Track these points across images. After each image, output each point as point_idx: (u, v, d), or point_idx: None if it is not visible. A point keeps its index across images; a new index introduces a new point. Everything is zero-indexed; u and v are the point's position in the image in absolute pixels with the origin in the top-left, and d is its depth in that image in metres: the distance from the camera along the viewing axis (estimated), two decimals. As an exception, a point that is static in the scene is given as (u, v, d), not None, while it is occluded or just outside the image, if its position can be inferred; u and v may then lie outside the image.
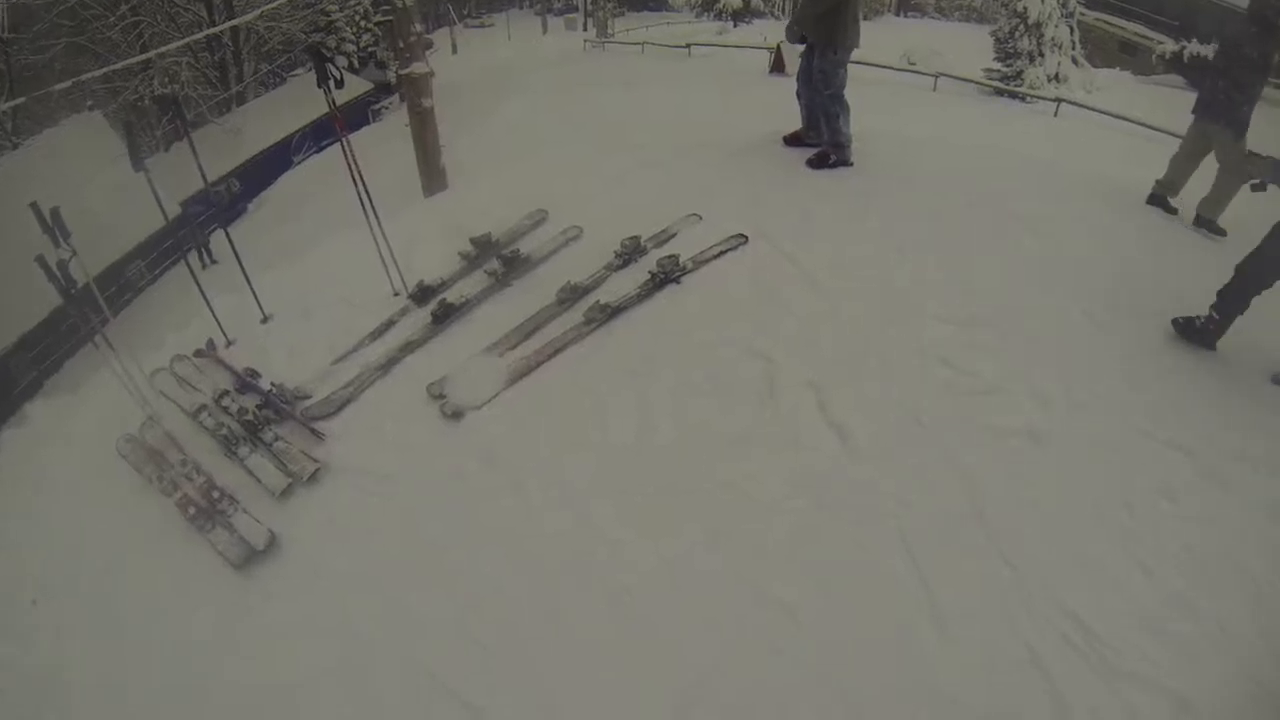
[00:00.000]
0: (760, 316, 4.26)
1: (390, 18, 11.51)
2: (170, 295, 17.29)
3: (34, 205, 4.13)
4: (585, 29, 42.25)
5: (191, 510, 3.60)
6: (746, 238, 4.80)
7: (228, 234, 5.41)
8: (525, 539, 3.25)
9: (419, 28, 10.85)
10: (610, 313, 4.28)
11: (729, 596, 3.01)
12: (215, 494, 3.67)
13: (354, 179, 4.61)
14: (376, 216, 4.66)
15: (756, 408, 3.75)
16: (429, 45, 12.23)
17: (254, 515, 3.51)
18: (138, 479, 3.89)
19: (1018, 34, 25.31)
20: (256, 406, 4.04)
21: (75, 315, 4.23)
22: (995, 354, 4.08)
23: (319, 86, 4.54)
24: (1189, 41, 31.72)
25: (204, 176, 5.03)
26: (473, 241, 4.94)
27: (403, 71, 10.94)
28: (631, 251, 4.72)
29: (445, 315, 4.42)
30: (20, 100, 24.39)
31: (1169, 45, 32.46)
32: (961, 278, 4.65)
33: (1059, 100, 14.07)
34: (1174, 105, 24.60)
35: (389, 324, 4.53)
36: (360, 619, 3.07)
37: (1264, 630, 2.92)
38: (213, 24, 29.29)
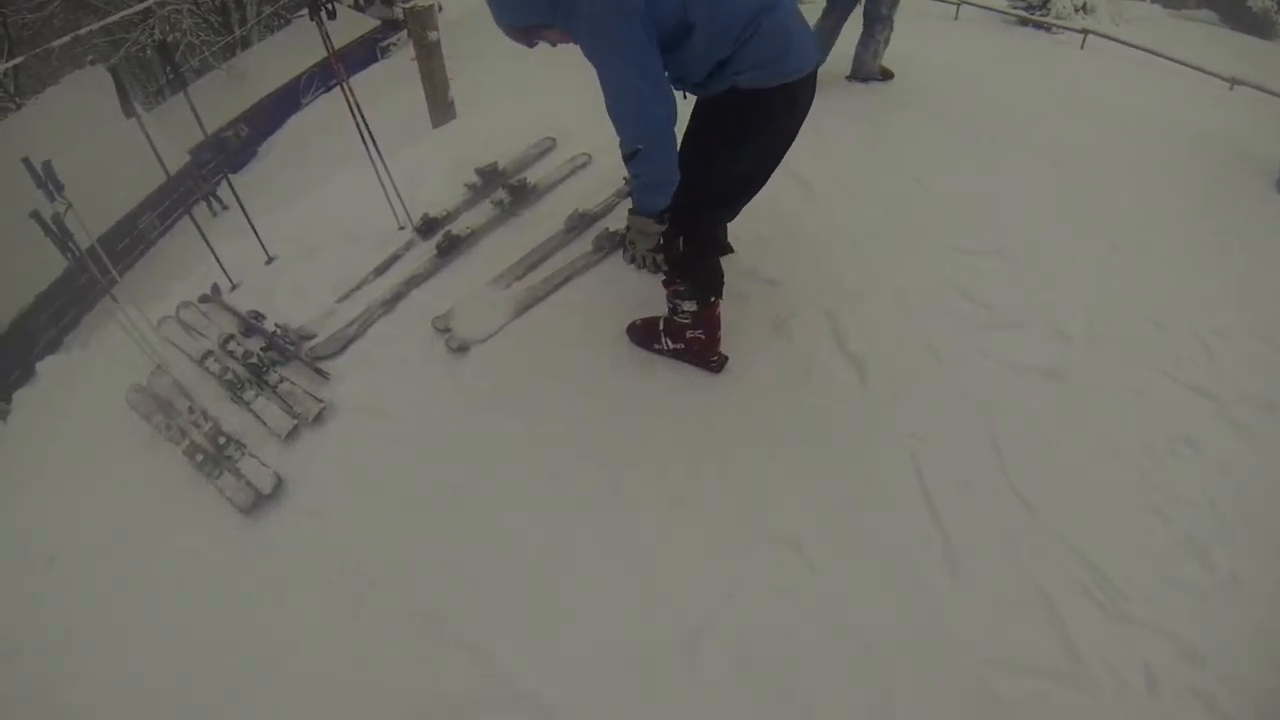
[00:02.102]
0: (772, 242, 4.14)
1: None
2: (182, 245, 17.28)
3: (26, 160, 4.08)
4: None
5: (199, 457, 3.55)
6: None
7: (229, 180, 5.34)
8: (533, 474, 3.19)
9: (421, -41, 10.64)
10: (619, 240, 4.13)
11: (734, 530, 2.95)
12: (222, 440, 3.61)
13: (353, 114, 4.48)
14: (379, 151, 4.53)
15: (769, 335, 3.65)
16: (437, -17, 12.02)
17: (261, 459, 3.46)
18: (147, 429, 3.85)
19: None
20: (261, 349, 3.97)
21: (80, 271, 4.14)
22: (1015, 289, 3.97)
23: (312, 19, 4.40)
24: None
25: (201, 125, 4.92)
26: (478, 172, 4.81)
27: (406, 5, 10.77)
28: (643, 177, 4.58)
29: (450, 247, 4.31)
30: (19, 60, 24.15)
31: None
32: (982, 209, 4.52)
33: (1085, 32, 13.59)
34: (1206, 40, 24.08)
35: (393, 258, 4.42)
36: (366, 562, 3.02)
37: (1279, 583, 2.86)
38: (214, -32, 28.97)
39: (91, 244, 4.20)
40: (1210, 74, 17.92)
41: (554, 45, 2.79)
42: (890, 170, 4.91)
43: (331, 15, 4.49)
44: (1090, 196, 4.81)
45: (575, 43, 2.62)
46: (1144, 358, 3.70)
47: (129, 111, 4.62)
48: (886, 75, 6.28)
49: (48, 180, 4.01)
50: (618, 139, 2.66)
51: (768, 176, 3.14)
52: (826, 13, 5.81)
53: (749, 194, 3.22)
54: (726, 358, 3.47)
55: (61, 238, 4.00)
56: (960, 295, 3.91)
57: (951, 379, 3.49)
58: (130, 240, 17.88)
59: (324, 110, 23.48)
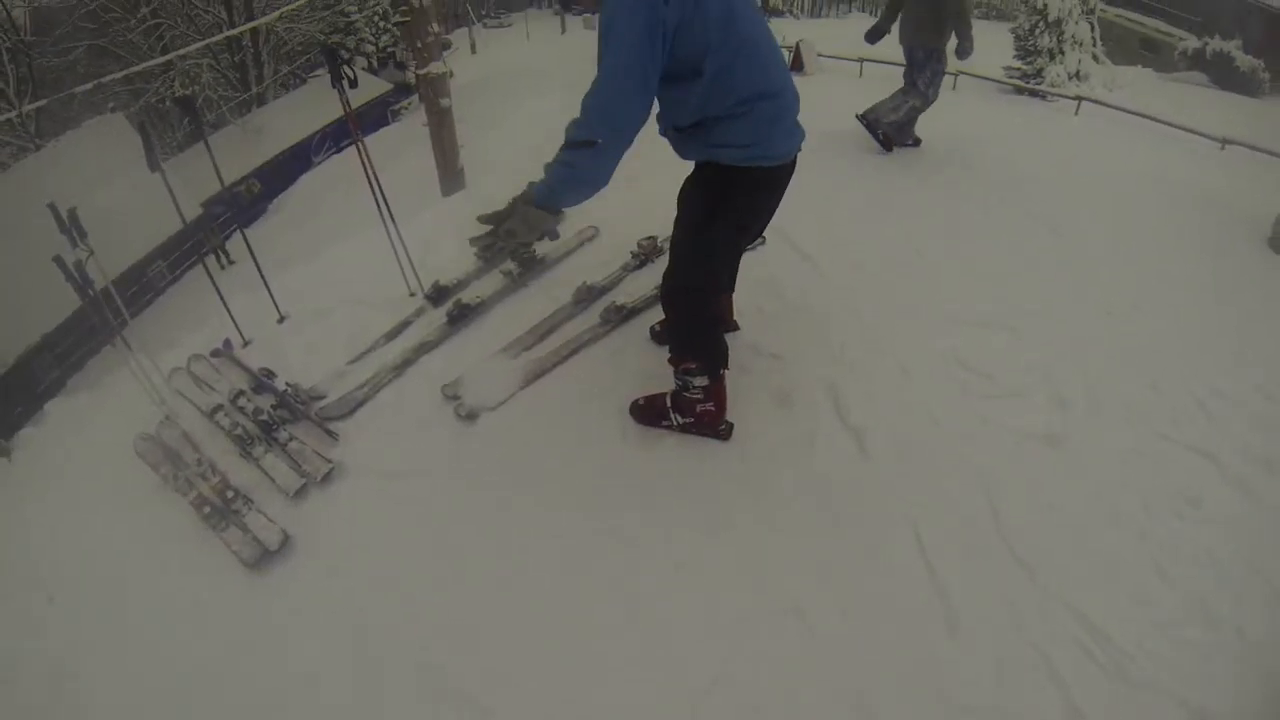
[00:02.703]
0: (776, 316, 4.25)
1: (408, 18, 11.59)
2: (191, 296, 17.41)
3: (51, 205, 4.16)
4: (608, 27, 42.22)
5: (206, 509, 3.60)
6: (764, 238, 4.79)
7: (244, 233, 5.45)
8: (540, 540, 3.24)
9: (436, 28, 10.91)
10: (626, 314, 4.27)
11: (737, 595, 3.00)
12: (230, 493, 3.66)
13: (369, 179, 4.61)
14: (392, 216, 4.66)
15: (772, 408, 3.73)
16: (447, 45, 12.29)
17: (268, 515, 3.51)
18: (154, 478, 3.89)
19: (1038, 31, 25.31)
20: (271, 406, 4.04)
21: (95, 316, 4.23)
22: (1014, 356, 4.08)
23: (333, 86, 4.54)
24: (1211, 38, 31.83)
25: (220, 177, 5.03)
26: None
27: (420, 71, 11.01)
28: (649, 252, 4.72)
29: (461, 316, 4.42)
30: (43, 102, 24.74)
31: (1191, 42, 32.66)
32: (981, 277, 4.66)
33: (1079, 99, 13.96)
34: (1197, 102, 24.50)
35: (404, 324, 4.52)
36: (373, 618, 3.06)
37: None
38: (233, 26, 29.62)
39: (106, 285, 4.29)
40: (1201, 135, 18.32)
41: (586, 11, 2.89)
42: (892, 241, 5.06)
43: (353, 84, 4.63)
44: (1086, 261, 4.97)
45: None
46: (1143, 420, 3.79)
47: (154, 165, 4.72)
48: (916, 141, 7.01)
49: (72, 227, 4.10)
50: (573, 123, 2.68)
51: (745, 246, 3.38)
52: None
53: (736, 262, 3.45)
54: (733, 425, 3.55)
55: (81, 284, 4.11)
56: (960, 364, 4.02)
57: (951, 447, 3.57)
58: (139, 287, 18.08)
59: (335, 170, 23.79)
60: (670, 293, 3.23)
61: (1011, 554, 3.11)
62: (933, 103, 6.85)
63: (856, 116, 6.86)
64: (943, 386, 3.90)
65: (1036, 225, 5.38)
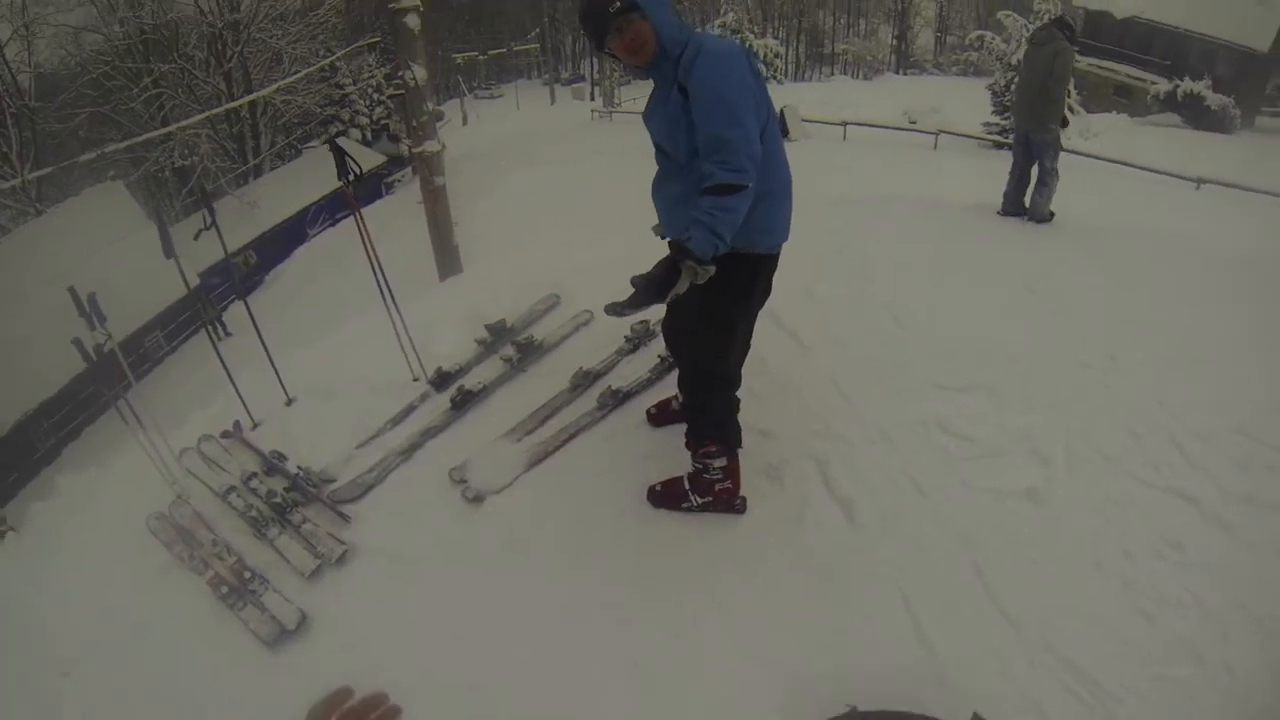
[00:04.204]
0: (764, 395, 4.39)
1: (402, 92, 11.86)
2: (188, 367, 17.59)
3: (72, 290, 4.37)
4: (592, 98, 42.93)
5: (223, 589, 3.74)
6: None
7: (249, 309, 5.61)
8: (546, 616, 3.38)
9: (430, 106, 11.18)
10: (622, 397, 4.46)
11: (735, 662, 3.12)
12: (246, 574, 3.81)
13: (373, 268, 4.86)
14: (395, 302, 4.88)
15: (763, 484, 3.87)
16: (439, 117, 12.54)
17: (284, 594, 3.66)
18: (168, 556, 4.04)
19: (1013, 86, 25.96)
20: (284, 489, 4.21)
21: (99, 384, 4.39)
22: (994, 418, 4.24)
23: (339, 180, 4.76)
24: (1181, 80, 32.75)
25: (224, 247, 5.20)
26: (488, 328, 5.16)
27: (415, 149, 11.26)
28: (641, 336, 4.93)
29: (464, 402, 4.61)
30: (47, 170, 25.07)
31: (1163, 85, 33.71)
32: (958, 341, 4.84)
33: None
34: (1172, 143, 25.05)
35: (410, 409, 4.72)
36: (393, 692, 3.17)
37: (1275, 671, 3.00)
38: (232, 97, 30.18)
39: (112, 347, 4.46)
40: (1177, 177, 18.78)
41: (619, 54, 2.96)
42: (871, 313, 5.23)
43: (359, 178, 4.86)
44: (1062, 314, 5.17)
45: (688, 77, 2.85)
46: (1122, 468, 3.93)
47: (169, 252, 4.90)
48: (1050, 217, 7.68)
49: (92, 312, 4.30)
50: (719, 170, 2.73)
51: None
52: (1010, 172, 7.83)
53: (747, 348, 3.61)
54: (746, 498, 3.71)
55: (100, 367, 4.29)
56: (941, 430, 4.16)
57: (935, 511, 3.70)
58: (136, 356, 18.24)
59: (330, 243, 24.11)
60: (702, 383, 3.47)
61: (997, 608, 3.23)
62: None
63: (1027, 221, 7.81)
64: (925, 453, 4.04)
65: (1013, 286, 5.58)
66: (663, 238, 3.49)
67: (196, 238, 4.82)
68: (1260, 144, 30.28)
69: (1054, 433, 4.13)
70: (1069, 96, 7.27)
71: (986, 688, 2.93)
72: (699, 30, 3.15)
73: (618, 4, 2.81)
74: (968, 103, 30.22)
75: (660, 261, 2.71)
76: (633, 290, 2.67)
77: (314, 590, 3.71)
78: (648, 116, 3.21)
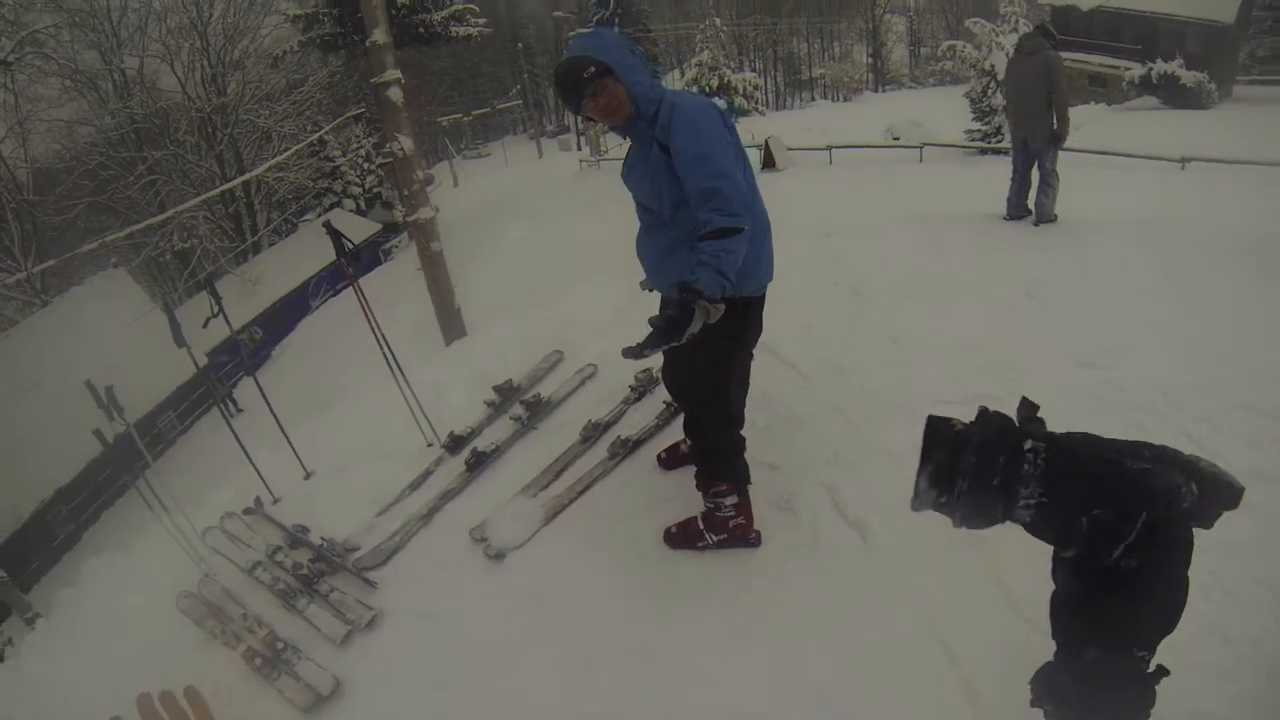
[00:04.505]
0: (770, 429, 4.49)
1: (391, 160, 12.12)
2: (202, 445, 17.69)
3: (89, 384, 4.50)
4: (579, 148, 43.26)
5: (257, 661, 3.83)
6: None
7: (259, 384, 5.68)
8: (574, 662, 3.44)
9: (420, 174, 11.41)
10: (632, 446, 4.57)
11: (765, 693, 3.17)
12: (279, 644, 3.90)
13: (378, 341, 5.02)
14: (401, 371, 5.02)
15: (775, 515, 3.93)
16: (430, 181, 12.76)
17: (317, 662, 3.73)
18: (200, 633, 4.14)
19: (990, 91, 26.29)
20: (310, 560, 4.31)
21: (119, 468, 4.50)
22: None
23: (338, 260, 4.92)
24: (1154, 63, 33.06)
25: (231, 327, 5.32)
26: (495, 389, 5.30)
27: (409, 218, 11.48)
28: (646, 384, 5.05)
29: (478, 463, 4.72)
30: (50, 263, 25.51)
31: (1136, 70, 34.11)
32: (959, 352, 4.92)
33: None
34: (1154, 125, 25.04)
35: (426, 474, 4.84)
36: None
37: None
38: (225, 179, 30.67)
39: (129, 431, 4.55)
40: (1162, 159, 18.98)
41: (595, 117, 3.10)
42: (870, 339, 5.30)
43: (357, 259, 5.01)
44: (1060, 318, 5.21)
45: (668, 129, 2.99)
46: None
47: (180, 341, 5.06)
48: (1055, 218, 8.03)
49: (110, 404, 4.43)
50: (716, 215, 2.86)
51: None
52: (1012, 180, 8.28)
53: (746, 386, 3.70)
54: (760, 531, 3.78)
55: (118, 453, 4.41)
56: None
57: (946, 525, 3.68)
58: (150, 438, 18.40)
59: (334, 313, 24.28)
60: (707, 425, 3.58)
61: (1021, 617, 3.21)
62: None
63: (1035, 225, 8.12)
64: None
65: (1013, 292, 5.64)
66: (649, 290, 3.66)
67: (205, 325, 4.97)
68: (1238, 113, 30.56)
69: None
70: (1066, 108, 7.64)
71: (1016, 693, 2.78)
72: (671, 83, 3.30)
73: (591, 69, 2.97)
74: (948, 113, 30.39)
75: (672, 305, 2.80)
76: (650, 332, 2.73)
77: (346, 656, 3.78)
78: (627, 173, 3.33)
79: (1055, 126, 7.79)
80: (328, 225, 5.13)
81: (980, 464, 1.98)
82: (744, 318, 3.35)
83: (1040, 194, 8.07)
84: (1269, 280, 5.70)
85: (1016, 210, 8.39)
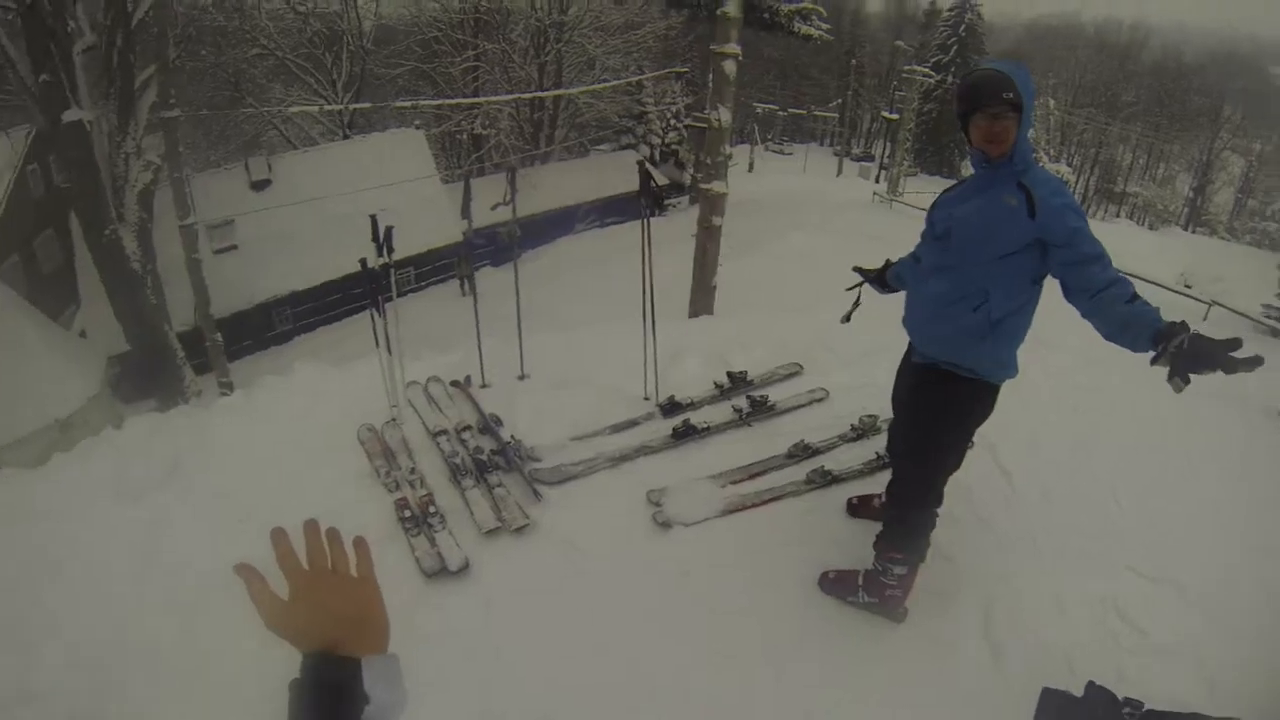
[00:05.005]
0: (962, 522, 4.28)
1: (701, 124, 12.19)
2: (428, 309, 18.54)
3: (373, 218, 4.69)
4: (878, 180, 42.58)
5: (406, 513, 3.94)
6: (973, 442, 4.80)
7: (517, 277, 5.77)
8: (687, 658, 3.37)
9: (727, 149, 11.42)
10: (830, 479, 4.39)
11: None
12: (431, 508, 3.99)
13: (645, 283, 5.01)
14: (654, 321, 5.00)
15: (930, 603, 3.76)
16: (729, 159, 12.79)
17: (457, 540, 3.80)
18: (367, 466, 4.31)
19: None
20: (491, 450, 4.38)
21: (369, 293, 4.62)
22: (1176, 618, 3.94)
23: (640, 196, 4.91)
24: None
25: (515, 211, 5.40)
26: (729, 374, 5.21)
27: (703, 186, 11.54)
28: (867, 428, 4.83)
29: (685, 434, 4.66)
30: (366, 105, 27.47)
31: None
32: (1170, 534, 4.49)
33: None
34: None
35: (632, 423, 4.82)
36: (508, 660, 3.29)
37: None
38: (541, 87, 31.91)
39: (389, 263, 4.69)
40: None
41: (977, 134, 2.94)
42: (1089, 481, 4.86)
43: (657, 203, 4.99)
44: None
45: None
46: None
47: (466, 214, 5.20)
48: None
49: (385, 243, 4.61)
50: (1122, 286, 2.77)
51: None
52: None
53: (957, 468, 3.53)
54: (908, 610, 3.62)
55: (373, 291, 4.57)
56: (1118, 614, 3.87)
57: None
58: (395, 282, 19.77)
59: (590, 244, 25.00)
60: (910, 493, 3.43)
61: None
62: None
63: None
64: (1091, 630, 3.78)
65: (1234, 482, 4.97)
66: (878, 282, 3.66)
67: (494, 208, 5.09)
68: None
69: (1231, 649, 3.72)
70: None
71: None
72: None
73: (1010, 95, 2.82)
74: (1254, 277, 28.03)
75: (1179, 348, 2.53)
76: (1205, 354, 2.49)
77: (485, 547, 3.83)
78: (952, 203, 3.18)
79: None
80: (641, 165, 5.16)
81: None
82: (977, 400, 3.22)
83: None
84: None
85: None
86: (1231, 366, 2.39)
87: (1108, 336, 2.76)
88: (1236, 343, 2.41)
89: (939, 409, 3.22)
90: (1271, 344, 21.78)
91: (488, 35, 32.82)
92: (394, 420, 4.65)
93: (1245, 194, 63.96)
